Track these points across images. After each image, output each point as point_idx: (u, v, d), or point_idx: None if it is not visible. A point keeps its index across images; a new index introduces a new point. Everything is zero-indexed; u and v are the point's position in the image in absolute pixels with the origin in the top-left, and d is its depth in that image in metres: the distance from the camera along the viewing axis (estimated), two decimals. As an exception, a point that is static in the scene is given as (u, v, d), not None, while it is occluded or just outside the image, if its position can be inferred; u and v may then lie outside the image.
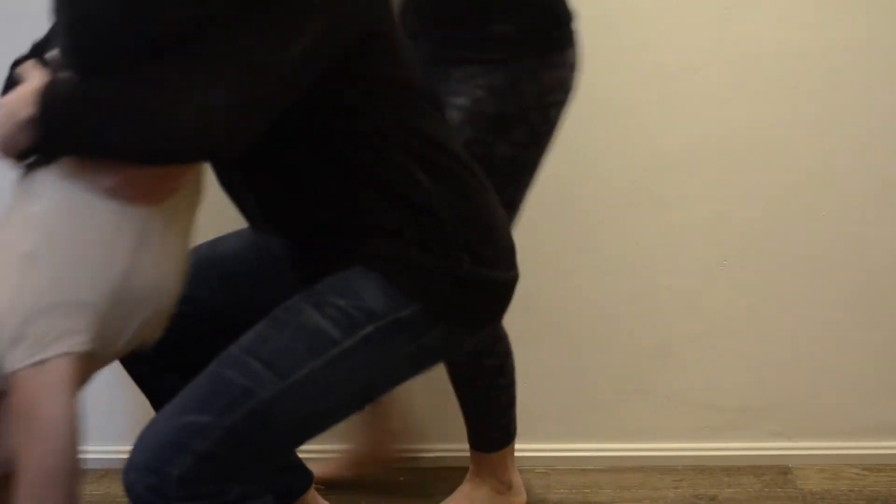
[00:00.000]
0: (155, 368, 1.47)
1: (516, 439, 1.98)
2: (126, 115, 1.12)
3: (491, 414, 1.85)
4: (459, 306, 1.31)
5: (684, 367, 2.08)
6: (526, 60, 1.59)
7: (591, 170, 1.98)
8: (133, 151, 1.14)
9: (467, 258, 1.29)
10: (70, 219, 1.20)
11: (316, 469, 1.77)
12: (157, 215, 1.22)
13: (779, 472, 2.07)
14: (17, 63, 1.29)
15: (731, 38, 1.91)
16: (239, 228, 1.50)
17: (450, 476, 2.07)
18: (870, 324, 2.05)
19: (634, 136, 1.96)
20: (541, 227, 2.02)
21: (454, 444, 2.11)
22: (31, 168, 1.22)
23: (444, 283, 1.28)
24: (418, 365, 1.35)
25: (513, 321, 2.06)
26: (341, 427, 2.12)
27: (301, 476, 1.74)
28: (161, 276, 1.26)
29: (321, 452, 2.10)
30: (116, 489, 2.09)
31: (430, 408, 2.02)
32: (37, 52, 1.31)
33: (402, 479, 2.11)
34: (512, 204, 1.67)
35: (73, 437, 1.21)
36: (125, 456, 2.23)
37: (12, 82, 1.25)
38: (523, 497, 1.93)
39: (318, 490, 1.80)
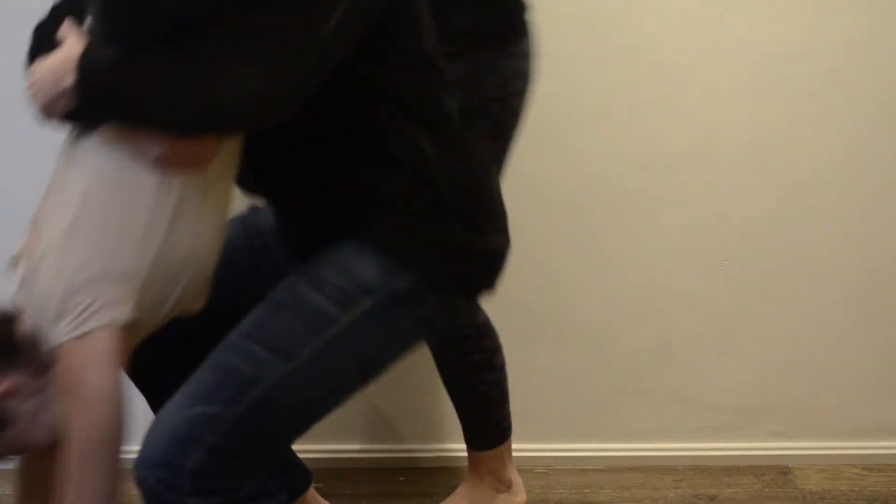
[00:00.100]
0: (153, 367, 1.47)
1: (517, 439, 1.98)
2: (167, 87, 1.12)
3: (484, 410, 1.85)
4: (455, 275, 1.30)
5: (684, 367, 2.08)
6: (485, 52, 1.60)
7: (591, 170, 1.98)
8: (172, 123, 1.15)
9: (462, 226, 1.29)
10: (109, 190, 1.22)
11: None
12: (194, 184, 1.23)
13: (779, 472, 2.07)
14: (39, 28, 1.30)
15: (731, 38, 1.91)
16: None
17: (450, 476, 2.08)
18: (870, 324, 2.05)
19: (634, 136, 1.96)
20: (541, 227, 2.02)
21: (454, 444, 2.11)
22: (74, 128, 1.24)
23: (439, 251, 1.28)
24: (417, 336, 1.35)
25: (513, 321, 2.07)
26: (340, 428, 2.13)
27: (301, 475, 1.74)
28: (200, 245, 1.27)
29: (321, 452, 2.10)
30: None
31: (429, 408, 2.02)
32: (57, 15, 1.30)
33: (402, 479, 2.11)
34: None
35: (117, 407, 1.22)
36: (126, 456, 2.23)
37: (38, 46, 1.26)
38: (523, 496, 1.93)
39: (317, 489, 1.80)
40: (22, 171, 2.07)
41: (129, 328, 1.23)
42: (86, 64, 1.15)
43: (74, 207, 1.22)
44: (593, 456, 2.12)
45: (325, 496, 1.83)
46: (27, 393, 1.29)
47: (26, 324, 1.25)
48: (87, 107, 1.17)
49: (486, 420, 1.85)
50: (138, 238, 1.22)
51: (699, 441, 2.11)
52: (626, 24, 1.91)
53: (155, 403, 1.44)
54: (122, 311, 1.22)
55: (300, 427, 1.31)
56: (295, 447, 1.74)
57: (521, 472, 2.05)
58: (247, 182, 1.39)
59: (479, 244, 1.32)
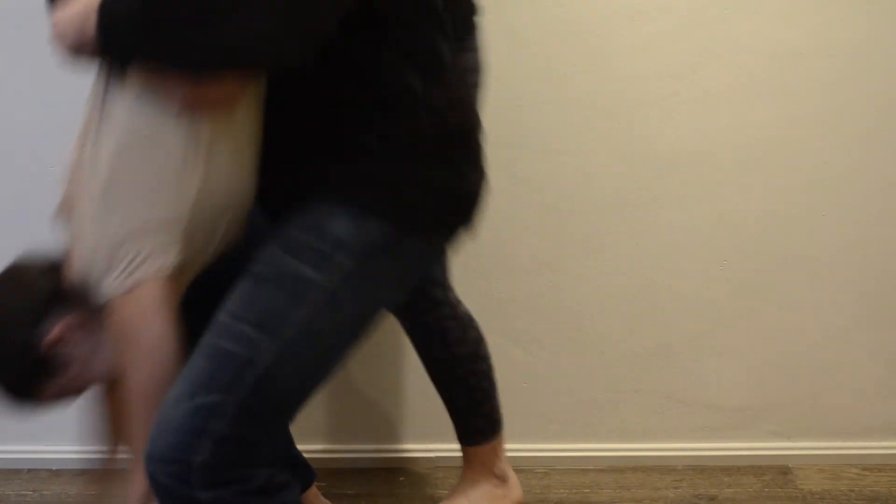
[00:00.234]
0: None
1: (517, 439, 1.98)
2: (185, 27, 1.12)
3: (475, 404, 1.85)
4: (431, 216, 1.29)
5: (684, 367, 2.08)
6: None
7: (591, 170, 1.99)
8: (191, 62, 1.15)
9: (440, 168, 1.28)
10: (141, 143, 1.23)
11: None
12: (223, 129, 1.25)
13: (779, 472, 2.07)
14: None
15: (731, 38, 1.91)
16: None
17: (449, 476, 2.08)
18: (870, 324, 2.05)
19: (634, 137, 1.97)
20: (541, 227, 2.02)
21: (454, 444, 2.11)
22: (102, 73, 1.25)
23: (411, 195, 1.26)
24: (404, 283, 1.33)
25: (513, 321, 2.07)
26: (340, 428, 2.14)
27: (306, 472, 1.74)
28: (234, 183, 1.28)
29: (322, 452, 2.11)
30: (116, 489, 2.09)
31: (429, 408, 2.02)
32: None
33: (402, 478, 2.11)
34: None
35: (170, 354, 1.25)
36: (125, 456, 2.23)
37: None
38: (519, 491, 1.93)
39: (318, 488, 1.80)
40: (20, 171, 2.07)
41: (176, 275, 1.25)
42: (106, 6, 1.16)
43: (110, 162, 1.24)
44: (593, 456, 2.12)
45: (325, 495, 1.83)
46: (80, 337, 1.32)
47: (74, 272, 1.28)
48: (108, 49, 1.18)
49: (478, 413, 1.85)
50: (175, 185, 1.24)
51: (699, 441, 2.11)
52: (626, 26, 1.91)
53: None
54: (167, 259, 1.24)
55: (305, 397, 1.29)
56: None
57: (520, 472, 2.05)
58: None
59: (456, 185, 1.31)
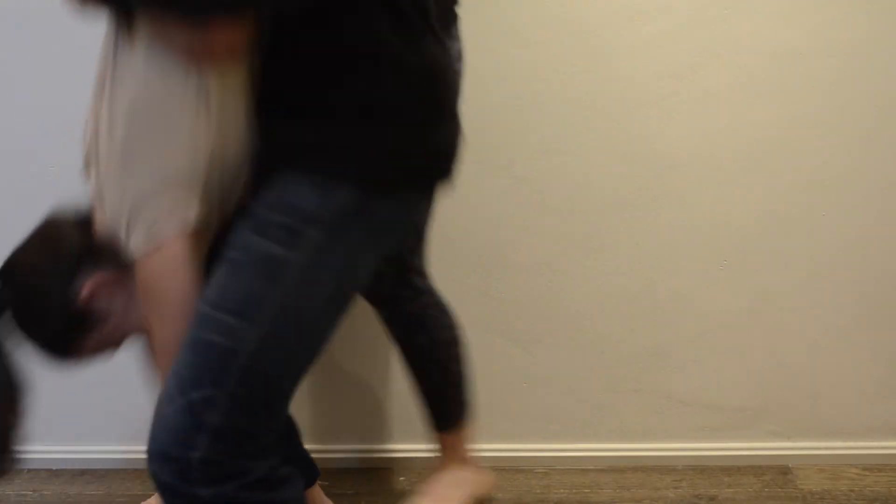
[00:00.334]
0: None
1: (517, 439, 1.98)
2: None
3: (454, 388, 1.86)
4: (400, 174, 1.26)
5: (684, 367, 2.08)
6: None
7: (591, 170, 1.98)
8: (193, 4, 1.15)
9: (408, 123, 1.25)
10: (153, 97, 1.24)
11: None
12: (231, 84, 1.25)
13: (779, 472, 2.07)
14: None
15: (731, 38, 1.91)
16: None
17: (450, 476, 2.08)
18: (870, 324, 2.05)
19: (634, 137, 1.96)
20: (541, 227, 2.02)
21: (454, 444, 2.11)
22: (111, 24, 1.26)
23: (378, 154, 1.24)
24: (381, 245, 1.30)
25: (514, 321, 2.07)
26: (340, 428, 2.14)
27: (309, 470, 1.74)
28: (244, 137, 1.28)
29: (322, 452, 2.11)
30: (116, 489, 2.09)
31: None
32: None
33: (401, 478, 2.11)
34: None
35: (190, 307, 1.26)
36: (126, 456, 2.24)
37: None
38: (490, 474, 1.96)
39: (321, 486, 1.81)
40: (20, 171, 2.07)
41: (198, 232, 1.26)
42: None
43: (124, 121, 1.25)
44: (593, 456, 2.12)
45: (326, 494, 1.83)
46: (114, 290, 1.34)
47: (103, 227, 1.29)
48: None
49: (456, 398, 1.87)
50: (189, 140, 1.24)
51: (699, 441, 2.11)
52: (626, 26, 1.91)
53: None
54: (188, 216, 1.24)
55: (296, 378, 1.28)
56: (320, 446, 1.75)
57: (520, 472, 2.06)
58: None
59: (427, 142, 1.28)
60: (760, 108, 1.95)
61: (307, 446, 1.73)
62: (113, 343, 1.40)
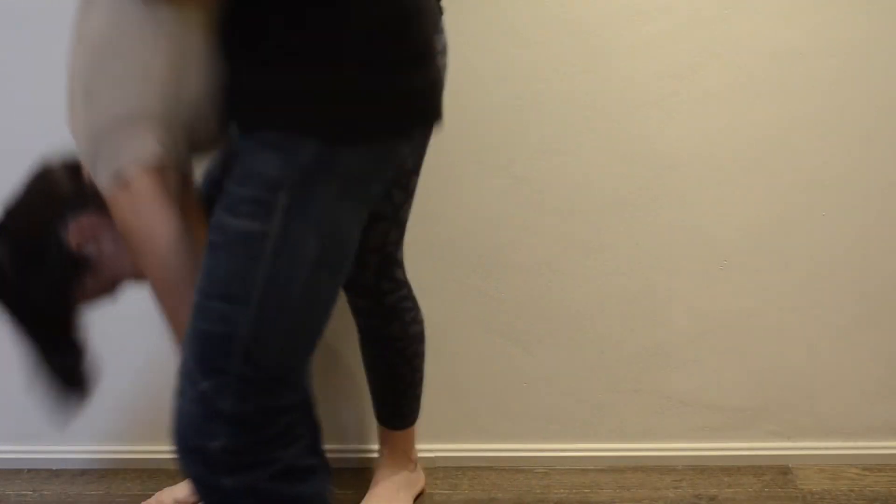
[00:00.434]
0: None
1: (517, 439, 1.98)
2: None
3: (412, 384, 1.89)
4: (366, 122, 1.22)
5: (684, 367, 2.08)
6: None
7: (591, 170, 1.98)
8: None
9: (373, 62, 1.20)
10: (113, 34, 1.25)
11: None
12: (186, 16, 1.25)
13: (779, 472, 2.07)
14: None
15: (731, 38, 1.91)
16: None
17: (449, 475, 2.08)
18: (870, 324, 2.05)
19: (635, 137, 1.96)
20: (541, 227, 2.02)
21: (451, 444, 2.11)
22: None
23: (340, 102, 1.19)
24: (360, 196, 1.25)
25: (514, 321, 2.07)
26: (340, 428, 2.13)
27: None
28: (205, 74, 1.28)
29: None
30: (116, 489, 2.09)
31: (427, 408, 2.02)
32: None
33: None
34: (416, 169, 1.71)
35: (170, 244, 1.25)
36: (125, 456, 2.24)
37: None
38: (423, 475, 1.99)
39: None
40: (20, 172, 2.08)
41: (163, 167, 1.25)
42: None
43: (86, 60, 1.26)
44: (593, 456, 2.12)
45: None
46: (105, 233, 1.35)
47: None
48: None
49: (413, 395, 1.90)
50: (148, 76, 1.24)
51: (699, 441, 2.11)
52: (626, 26, 1.91)
53: None
54: (147, 148, 1.24)
55: (303, 351, 1.26)
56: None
57: (520, 472, 2.06)
58: None
59: (398, 83, 1.23)
60: (760, 108, 1.95)
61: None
62: (108, 288, 1.41)
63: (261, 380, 1.20)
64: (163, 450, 2.14)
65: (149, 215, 1.25)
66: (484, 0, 1.90)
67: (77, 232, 1.35)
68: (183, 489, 1.97)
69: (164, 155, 1.25)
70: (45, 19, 1.92)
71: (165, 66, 1.24)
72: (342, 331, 2.05)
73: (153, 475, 2.10)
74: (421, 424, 1.97)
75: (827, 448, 2.09)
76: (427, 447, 2.07)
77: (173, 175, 1.28)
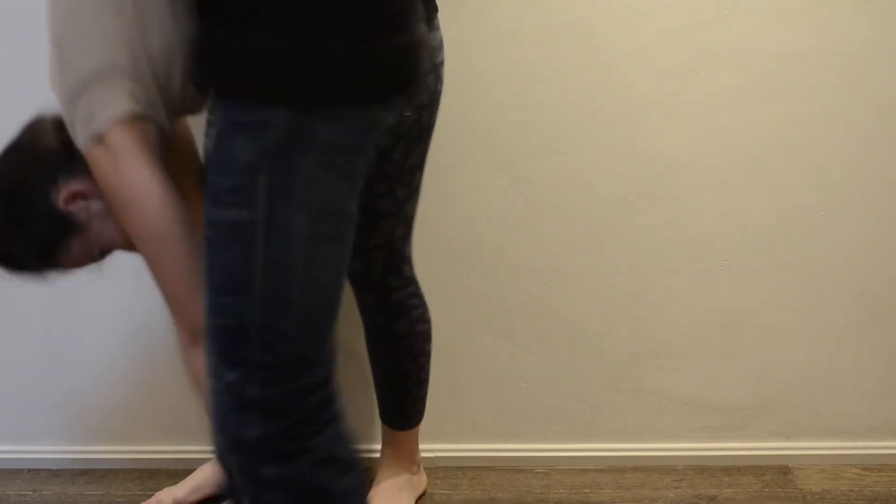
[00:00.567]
0: None
1: (517, 439, 1.98)
2: None
3: (418, 384, 1.89)
4: (337, 88, 1.18)
5: (684, 367, 2.08)
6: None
7: (591, 170, 1.98)
8: None
9: (337, 29, 1.16)
10: None
11: None
12: None
13: (779, 472, 2.07)
14: None
15: (731, 38, 1.91)
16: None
17: (449, 475, 2.08)
18: (870, 324, 2.05)
19: (635, 137, 1.96)
20: (541, 227, 2.02)
21: (451, 444, 2.11)
22: None
23: (307, 67, 1.16)
24: (343, 165, 1.22)
25: (514, 321, 2.07)
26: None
27: None
28: (172, 27, 1.27)
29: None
30: (116, 489, 2.09)
31: (427, 408, 2.02)
32: None
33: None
34: (420, 165, 1.71)
35: (152, 198, 1.25)
36: (126, 456, 2.24)
37: None
38: (426, 478, 1.99)
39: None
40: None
41: (140, 123, 1.25)
42: None
43: (57, 19, 1.27)
44: (593, 456, 2.12)
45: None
46: (92, 195, 1.35)
47: None
48: None
49: (418, 395, 1.90)
50: (113, 31, 1.24)
51: (699, 441, 2.11)
52: (626, 26, 1.91)
53: None
54: (120, 104, 1.24)
55: (322, 324, 1.24)
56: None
57: (520, 472, 2.06)
58: None
59: (363, 49, 1.19)
60: (760, 108, 1.95)
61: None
62: (95, 254, 1.41)
63: (282, 364, 1.20)
64: (163, 450, 2.14)
65: (128, 169, 1.24)
66: (484, 0, 1.90)
67: (66, 193, 1.35)
68: (182, 489, 1.97)
69: (138, 108, 1.25)
70: (45, 19, 1.92)
71: (132, 18, 1.24)
72: (346, 330, 2.05)
73: (153, 475, 2.10)
74: (422, 424, 1.97)
75: (827, 448, 2.09)
76: (427, 447, 2.07)
77: (151, 129, 1.28)
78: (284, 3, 1.15)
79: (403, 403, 1.90)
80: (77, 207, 1.38)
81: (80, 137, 1.26)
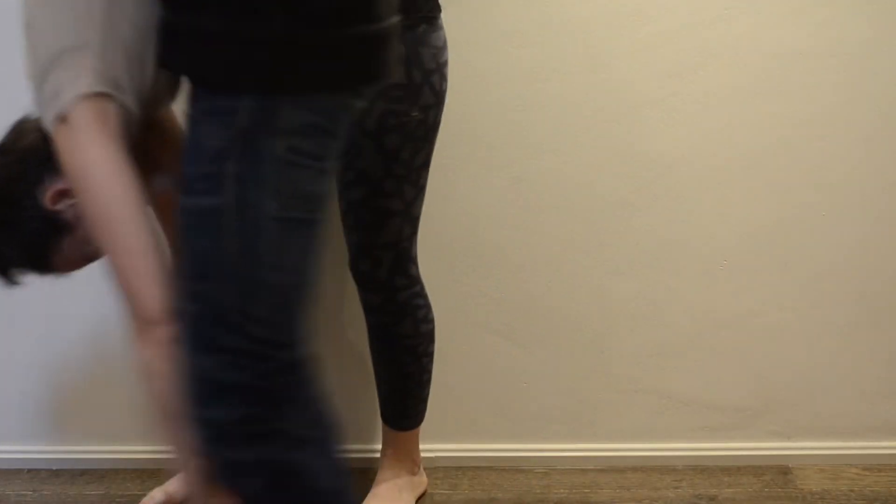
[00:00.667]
0: None
1: (517, 439, 1.97)
2: None
3: (421, 385, 1.89)
4: (298, 72, 1.18)
5: (684, 367, 2.08)
6: (420, 27, 1.63)
7: (591, 170, 1.98)
8: None
9: (302, 15, 1.16)
10: None
11: None
12: None
13: (779, 472, 2.07)
14: None
15: (731, 38, 1.91)
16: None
17: (449, 475, 2.08)
18: (870, 324, 2.05)
19: (635, 137, 1.96)
20: (541, 227, 2.02)
21: (451, 444, 2.11)
22: None
23: (268, 54, 1.16)
24: (316, 154, 1.22)
25: (514, 321, 2.07)
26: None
27: None
28: (143, 10, 1.27)
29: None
30: (116, 489, 2.09)
31: (427, 408, 2.02)
32: None
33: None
34: (426, 164, 1.72)
35: (106, 177, 1.23)
36: (126, 456, 2.24)
37: None
38: (426, 478, 1.99)
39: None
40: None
41: (106, 104, 1.24)
42: None
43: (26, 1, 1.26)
44: (593, 456, 2.12)
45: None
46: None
47: None
48: None
49: (421, 396, 1.91)
50: (81, 14, 1.24)
51: (699, 441, 2.11)
52: (626, 26, 1.91)
53: None
54: (87, 82, 1.23)
55: (292, 312, 1.24)
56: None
57: (520, 472, 2.06)
58: None
59: (329, 35, 1.19)
60: (761, 108, 1.95)
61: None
62: (90, 251, 1.40)
63: (255, 347, 1.20)
64: (163, 450, 2.14)
65: (85, 146, 1.23)
66: (484, 0, 1.90)
67: (52, 192, 1.35)
68: (174, 482, 1.97)
69: (103, 87, 1.24)
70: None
71: (96, 2, 1.24)
72: (349, 330, 2.05)
73: (153, 475, 2.09)
74: (422, 424, 1.97)
75: (827, 448, 2.09)
76: (427, 447, 2.07)
77: (116, 110, 1.27)
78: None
79: (405, 404, 1.90)
80: (64, 206, 1.37)
81: (47, 118, 1.25)
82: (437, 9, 1.67)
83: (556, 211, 2.01)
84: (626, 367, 2.09)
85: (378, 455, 2.00)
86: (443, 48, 1.67)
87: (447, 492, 2.03)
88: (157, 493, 1.96)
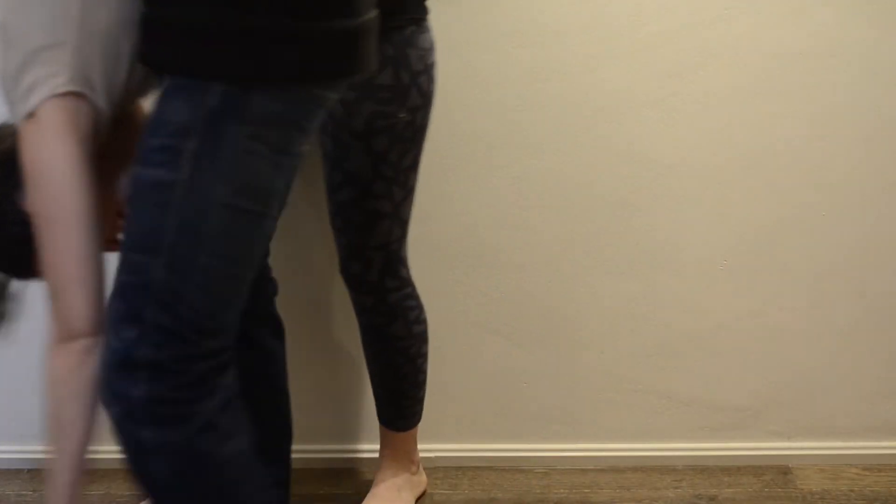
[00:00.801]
0: None
1: (517, 439, 1.97)
2: None
3: (416, 386, 1.89)
4: (271, 63, 1.18)
5: (684, 367, 2.08)
6: (408, 29, 1.63)
7: (591, 170, 1.98)
8: None
9: (279, 6, 1.16)
10: None
11: None
12: None
13: (779, 472, 2.07)
14: None
15: (731, 38, 1.91)
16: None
17: (449, 476, 2.08)
18: (870, 324, 2.05)
19: (635, 137, 1.96)
20: (541, 227, 2.02)
21: (451, 444, 2.11)
22: None
23: (241, 44, 1.16)
24: (281, 146, 1.22)
25: (514, 321, 2.07)
26: (338, 428, 2.13)
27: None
28: (118, 6, 1.26)
29: (321, 452, 2.11)
30: (116, 489, 2.09)
31: (425, 408, 2.02)
32: None
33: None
34: (415, 165, 1.72)
35: (63, 178, 1.22)
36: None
37: None
38: (425, 477, 1.99)
39: (321, 490, 1.80)
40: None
41: (76, 103, 1.24)
42: None
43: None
44: (593, 456, 2.12)
45: (325, 498, 1.83)
46: None
47: None
48: None
49: (417, 396, 1.91)
50: (56, 13, 1.23)
51: (699, 441, 2.11)
52: (626, 26, 1.91)
53: None
54: (60, 82, 1.22)
55: (224, 293, 1.24)
56: (295, 447, 1.75)
57: (520, 472, 2.06)
58: None
59: (304, 27, 1.19)
60: (761, 108, 1.94)
61: (305, 446, 1.73)
62: None
63: (179, 328, 1.19)
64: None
65: (46, 143, 1.22)
66: (484, 0, 1.90)
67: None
68: None
69: (75, 86, 1.24)
70: None
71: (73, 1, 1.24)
72: (341, 330, 2.05)
73: (153, 475, 2.09)
74: (421, 424, 1.97)
75: (827, 448, 2.09)
76: (427, 447, 2.07)
77: (86, 109, 1.26)
78: None
79: (401, 405, 1.90)
80: None
81: (19, 115, 1.25)
82: (425, 11, 1.67)
83: (556, 211, 2.01)
84: (626, 367, 2.09)
85: (376, 455, 1.99)
86: (430, 50, 1.67)
87: (447, 492, 2.03)
88: None
